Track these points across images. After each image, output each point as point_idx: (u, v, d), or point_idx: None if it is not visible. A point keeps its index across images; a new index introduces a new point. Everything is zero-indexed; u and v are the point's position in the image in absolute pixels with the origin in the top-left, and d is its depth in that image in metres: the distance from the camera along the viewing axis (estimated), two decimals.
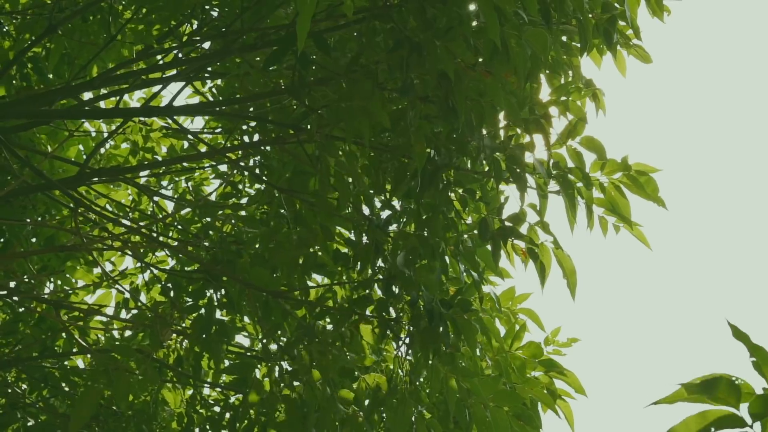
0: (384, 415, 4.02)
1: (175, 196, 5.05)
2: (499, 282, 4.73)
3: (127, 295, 4.67)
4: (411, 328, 3.86)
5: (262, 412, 4.28)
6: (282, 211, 4.44)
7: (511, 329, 4.53)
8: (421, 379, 4.00)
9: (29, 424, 4.74)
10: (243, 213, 4.76)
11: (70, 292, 4.96)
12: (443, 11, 3.54)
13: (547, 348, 4.62)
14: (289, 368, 4.24)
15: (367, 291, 4.02)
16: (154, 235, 4.54)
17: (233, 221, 4.73)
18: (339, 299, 4.29)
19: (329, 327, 4.32)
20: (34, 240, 4.80)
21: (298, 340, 4.03)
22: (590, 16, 3.63)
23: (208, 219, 4.67)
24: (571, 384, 4.53)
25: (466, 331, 3.82)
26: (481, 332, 3.92)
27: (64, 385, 4.86)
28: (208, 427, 4.61)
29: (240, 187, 4.89)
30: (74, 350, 4.88)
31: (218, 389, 4.97)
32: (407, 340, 3.91)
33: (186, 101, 5.13)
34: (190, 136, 4.93)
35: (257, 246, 4.43)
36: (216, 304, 4.42)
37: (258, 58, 4.17)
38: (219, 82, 4.83)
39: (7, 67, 4.04)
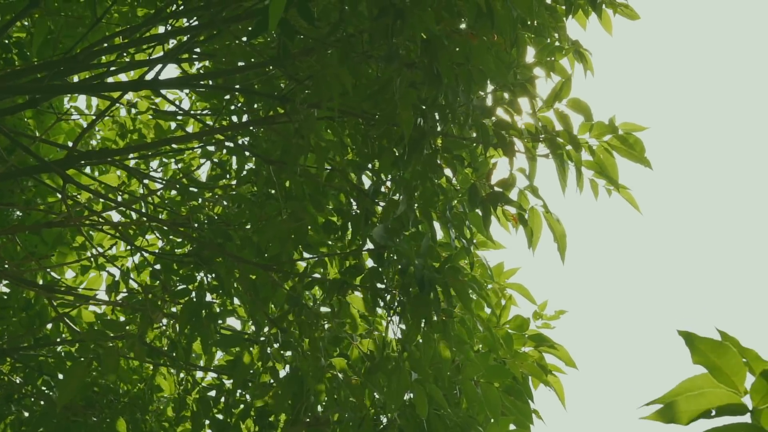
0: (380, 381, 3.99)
1: (165, 178, 5.02)
2: (488, 256, 4.70)
3: (117, 277, 4.64)
4: (402, 297, 3.82)
5: (255, 393, 4.27)
6: (272, 191, 4.42)
7: (498, 303, 4.51)
8: (414, 348, 3.96)
9: (25, 416, 4.71)
10: (233, 193, 4.74)
11: (59, 276, 4.93)
12: None
13: (536, 322, 4.60)
14: (279, 344, 4.22)
15: (357, 261, 3.99)
16: (144, 214, 4.51)
17: (224, 202, 4.71)
18: (329, 271, 4.26)
19: (318, 298, 4.31)
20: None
21: (286, 311, 4.00)
22: None
23: (198, 201, 4.65)
24: (561, 357, 4.50)
25: (461, 294, 3.78)
26: (475, 294, 3.88)
27: (59, 374, 4.82)
28: (202, 411, 4.59)
29: (228, 168, 4.86)
30: (67, 338, 4.84)
31: (212, 374, 4.94)
32: (398, 309, 3.87)
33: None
34: (178, 117, 4.91)
35: (247, 227, 4.41)
36: (206, 287, 4.40)
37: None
38: (207, 63, 4.81)
39: None
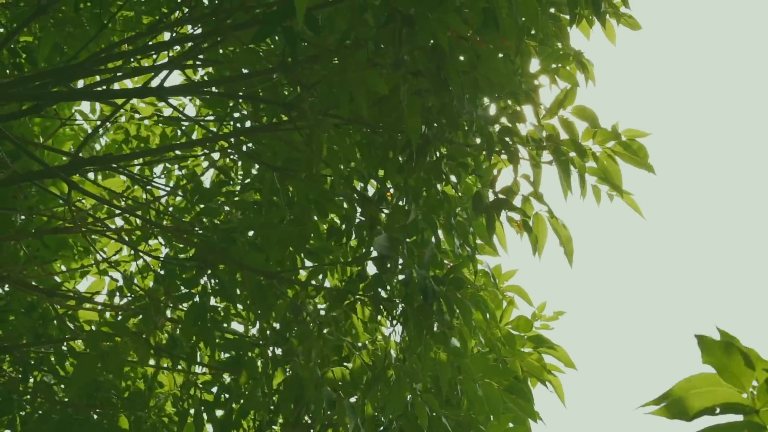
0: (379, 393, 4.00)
1: (168, 185, 5.03)
2: (489, 260, 4.72)
3: (120, 282, 4.65)
4: (404, 307, 3.83)
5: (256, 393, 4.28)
6: (275, 198, 4.43)
7: (498, 305, 4.54)
8: (414, 357, 3.97)
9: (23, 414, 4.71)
10: (236, 199, 4.75)
11: (61, 280, 4.94)
12: None
13: (535, 323, 4.62)
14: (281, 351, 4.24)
15: (360, 268, 4.00)
16: (147, 220, 4.53)
17: (226, 208, 4.72)
18: (333, 279, 4.27)
19: (321, 308, 4.32)
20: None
21: (288, 321, 4.02)
22: None
23: (201, 207, 4.66)
24: (560, 358, 4.53)
25: (461, 309, 3.80)
26: (476, 309, 3.90)
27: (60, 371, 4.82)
28: (203, 408, 4.59)
29: (233, 174, 4.88)
30: (68, 336, 4.83)
31: (212, 370, 4.93)
32: (401, 319, 3.88)
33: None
34: (183, 123, 4.92)
35: (251, 234, 4.42)
36: (210, 291, 4.41)
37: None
38: (210, 70, 4.82)
39: None
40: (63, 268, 4.89)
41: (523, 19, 3.46)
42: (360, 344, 4.15)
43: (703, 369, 1.91)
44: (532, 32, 3.70)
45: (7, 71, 4.59)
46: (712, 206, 11.96)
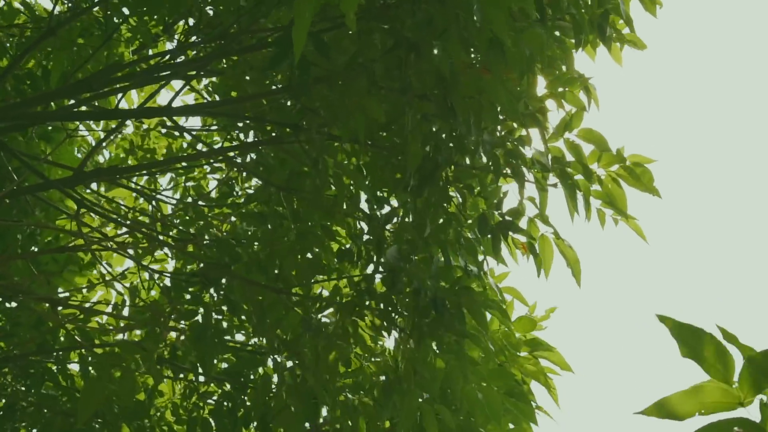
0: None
1: (175, 196, 5.05)
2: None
3: (126, 295, 4.69)
4: (416, 320, 3.86)
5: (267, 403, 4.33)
6: (280, 209, 4.46)
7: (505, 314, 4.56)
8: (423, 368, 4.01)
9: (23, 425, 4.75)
10: (242, 211, 4.78)
11: (68, 293, 4.97)
12: (441, 11, 3.57)
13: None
14: (293, 363, 4.29)
15: (368, 284, 4.05)
16: (154, 234, 4.56)
17: (232, 219, 4.75)
18: (342, 293, 4.32)
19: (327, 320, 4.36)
20: (34, 248, 4.80)
21: (301, 335, 4.07)
22: (583, 11, 3.67)
23: (206, 219, 4.69)
24: (556, 361, 4.55)
25: (474, 312, 3.81)
26: (492, 311, 3.94)
27: (62, 380, 4.85)
28: (204, 414, 4.63)
29: (240, 184, 4.90)
30: (73, 346, 4.87)
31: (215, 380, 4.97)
32: (409, 330, 3.92)
33: (181, 98, 5.16)
34: (187, 135, 4.94)
35: (256, 246, 4.45)
36: (214, 306, 4.44)
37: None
38: (214, 79, 4.83)
39: (3, 74, 4.02)
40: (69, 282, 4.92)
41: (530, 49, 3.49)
42: (370, 357, 4.19)
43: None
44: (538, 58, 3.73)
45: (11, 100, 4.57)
46: (718, 223, 12.03)
